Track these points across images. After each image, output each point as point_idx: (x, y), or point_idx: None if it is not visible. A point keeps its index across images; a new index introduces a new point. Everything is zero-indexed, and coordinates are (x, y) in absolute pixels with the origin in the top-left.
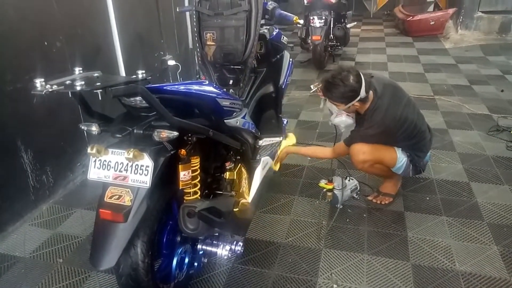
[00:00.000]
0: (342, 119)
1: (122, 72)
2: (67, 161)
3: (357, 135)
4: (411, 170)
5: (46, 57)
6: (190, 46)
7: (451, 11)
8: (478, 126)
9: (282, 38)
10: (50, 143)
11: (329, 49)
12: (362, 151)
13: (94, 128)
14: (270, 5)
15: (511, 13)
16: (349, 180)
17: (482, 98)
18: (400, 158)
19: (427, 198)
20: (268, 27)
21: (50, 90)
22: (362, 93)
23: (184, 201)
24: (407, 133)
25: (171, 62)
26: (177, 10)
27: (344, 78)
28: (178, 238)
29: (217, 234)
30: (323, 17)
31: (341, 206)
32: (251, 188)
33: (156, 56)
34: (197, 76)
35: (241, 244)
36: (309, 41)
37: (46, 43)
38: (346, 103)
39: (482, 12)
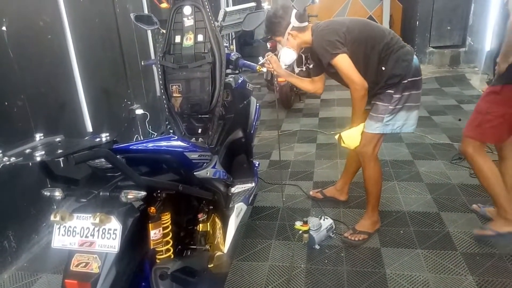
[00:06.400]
0: (284, 51)
1: (89, 125)
2: (31, 222)
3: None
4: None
5: (7, 117)
6: (158, 94)
7: None
8: (442, 156)
9: (247, 85)
10: (12, 206)
11: (295, 89)
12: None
13: (58, 193)
14: (234, 55)
15: (459, 48)
16: (324, 220)
17: (442, 128)
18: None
19: (401, 232)
20: (233, 75)
21: (8, 162)
22: (293, 21)
23: (157, 260)
24: (373, 39)
25: (139, 111)
26: (142, 63)
27: (271, 15)
28: None
29: None
30: None
31: (318, 247)
32: (226, 238)
33: (123, 106)
34: (166, 122)
35: None
36: (275, 82)
37: (6, 103)
38: (281, 33)
39: (433, 47)
